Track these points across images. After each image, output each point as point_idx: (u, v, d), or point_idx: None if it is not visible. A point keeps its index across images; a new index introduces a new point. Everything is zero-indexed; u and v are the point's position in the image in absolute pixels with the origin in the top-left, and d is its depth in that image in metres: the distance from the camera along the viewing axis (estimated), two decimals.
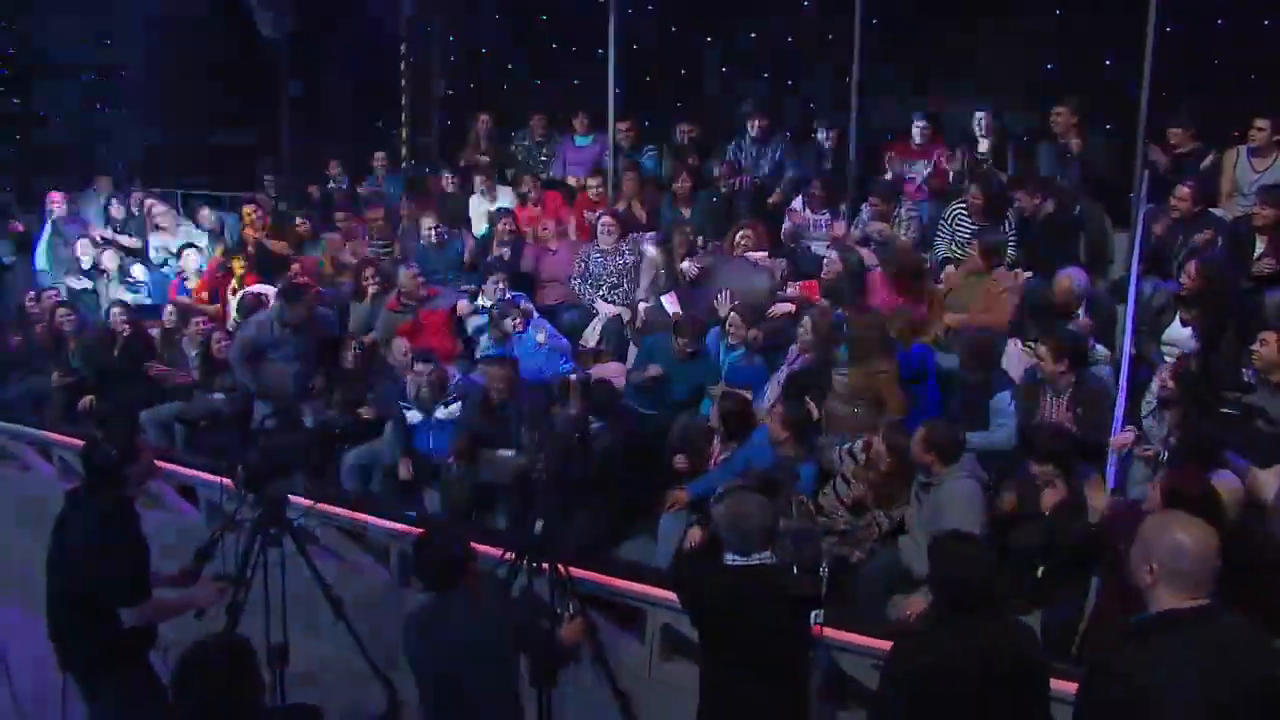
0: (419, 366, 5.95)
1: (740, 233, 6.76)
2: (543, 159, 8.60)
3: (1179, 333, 5.34)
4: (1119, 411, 4.91)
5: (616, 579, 4.75)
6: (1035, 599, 4.47)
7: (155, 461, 3.95)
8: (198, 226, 8.92)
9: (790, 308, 6.04)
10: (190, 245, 8.46)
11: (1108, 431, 4.93)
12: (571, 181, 8.26)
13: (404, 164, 8.91)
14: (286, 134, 9.39)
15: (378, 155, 8.83)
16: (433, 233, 7.58)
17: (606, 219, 6.95)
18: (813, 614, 3.10)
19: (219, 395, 4.33)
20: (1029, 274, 6.08)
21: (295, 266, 7.72)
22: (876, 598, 4.64)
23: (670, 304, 6.48)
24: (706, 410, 5.70)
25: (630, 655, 4.77)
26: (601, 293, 6.95)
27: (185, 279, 8.23)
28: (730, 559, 3.11)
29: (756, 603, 3.08)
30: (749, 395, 5.56)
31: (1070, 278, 5.62)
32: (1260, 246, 5.72)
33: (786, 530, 3.12)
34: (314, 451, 4.47)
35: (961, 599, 2.88)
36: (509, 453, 4.20)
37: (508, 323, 6.50)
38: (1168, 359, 5.28)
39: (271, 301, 6.86)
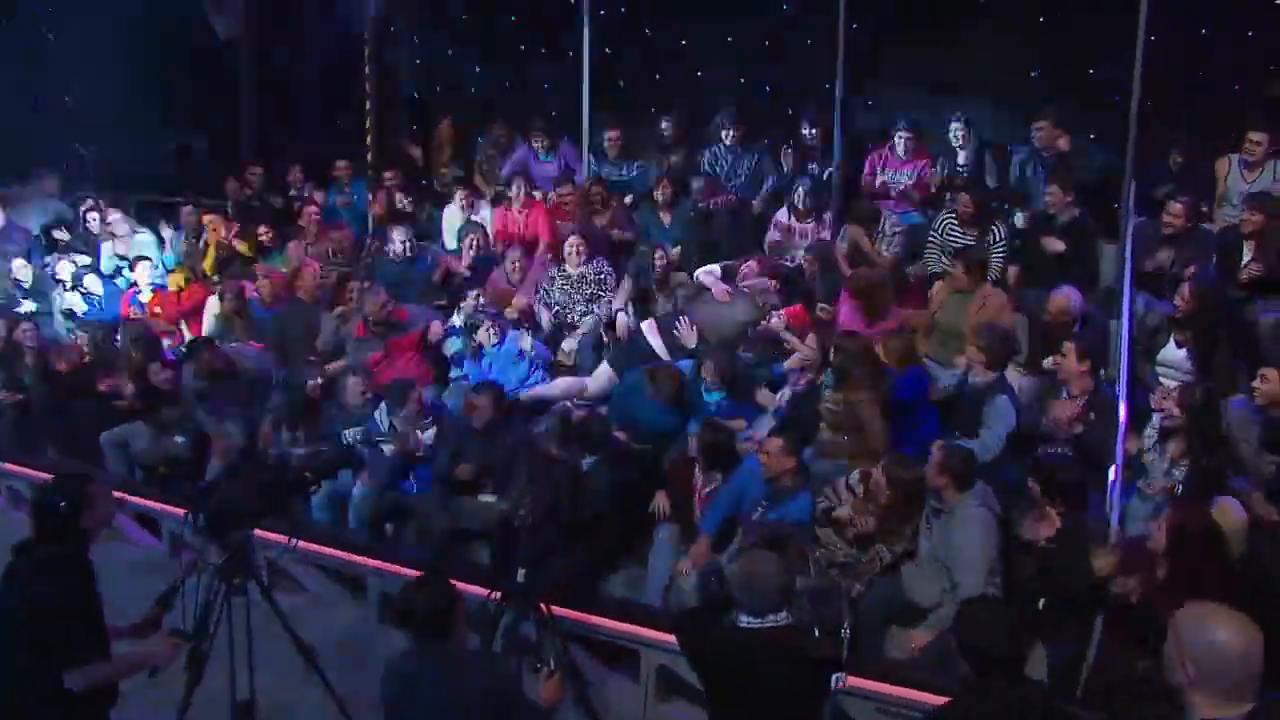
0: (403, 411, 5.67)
1: (745, 265, 6.44)
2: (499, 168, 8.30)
3: (1174, 354, 5.23)
4: (1121, 433, 4.75)
5: (609, 619, 4.50)
6: (1037, 632, 4.33)
7: (113, 505, 3.61)
8: (174, 228, 8.49)
9: (808, 355, 5.67)
10: (143, 257, 8.05)
11: (1112, 449, 4.79)
12: (537, 194, 7.93)
13: (370, 171, 8.52)
14: (246, 138, 8.97)
15: (339, 164, 8.43)
16: (405, 246, 7.24)
17: (575, 240, 6.67)
18: (834, 676, 2.88)
19: (178, 439, 3.98)
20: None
21: (260, 269, 7.38)
22: (875, 630, 4.47)
23: (650, 333, 6.15)
24: (691, 432, 5.45)
25: (624, 697, 4.54)
26: (571, 319, 6.70)
27: (138, 292, 7.80)
28: (744, 620, 2.89)
29: (771, 666, 2.88)
30: (739, 426, 5.35)
31: (1067, 297, 5.47)
32: (1248, 253, 5.66)
33: (804, 589, 2.89)
34: (279, 494, 4.11)
35: (985, 666, 2.83)
36: (490, 498, 3.90)
37: (482, 333, 6.22)
38: (1163, 381, 5.17)
39: None
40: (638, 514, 5.18)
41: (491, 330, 6.23)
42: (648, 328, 6.16)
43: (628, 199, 7.73)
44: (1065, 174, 6.38)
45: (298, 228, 7.93)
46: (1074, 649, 4.20)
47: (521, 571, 3.74)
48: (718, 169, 7.49)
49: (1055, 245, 6.02)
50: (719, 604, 3.08)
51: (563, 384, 6.09)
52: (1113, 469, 4.67)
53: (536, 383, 6.27)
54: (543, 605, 3.91)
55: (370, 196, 8.23)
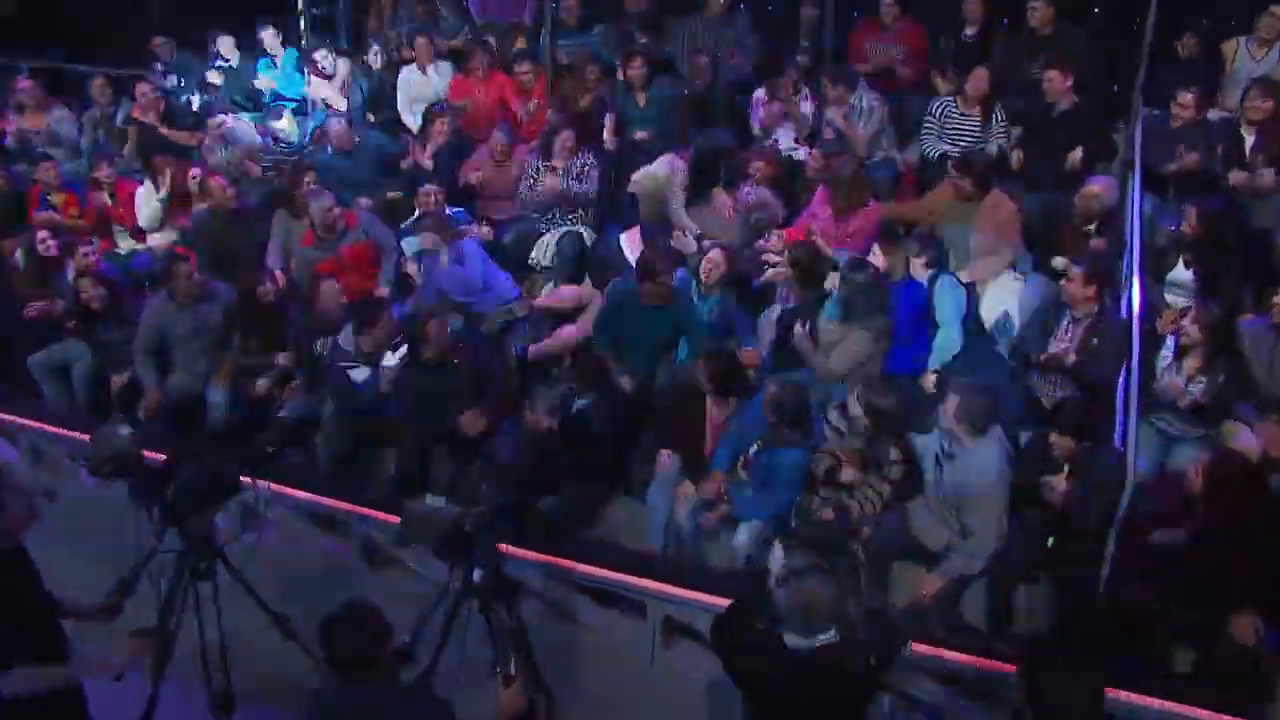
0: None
1: (756, 163, 5.83)
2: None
3: (1184, 275, 5.01)
4: (1136, 350, 4.58)
5: (609, 569, 4.30)
6: (1045, 566, 4.29)
7: (26, 500, 3.16)
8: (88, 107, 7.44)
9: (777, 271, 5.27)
10: (56, 145, 7.12)
11: (1118, 372, 4.64)
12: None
13: (302, 39, 7.57)
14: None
15: (267, 32, 7.41)
16: (340, 135, 6.50)
17: (565, 135, 5.99)
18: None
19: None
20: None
21: (194, 172, 6.52)
22: (881, 568, 4.37)
23: (629, 243, 5.66)
24: (684, 356, 5.13)
25: (628, 641, 4.40)
26: (555, 215, 6.11)
27: (47, 191, 6.79)
28: (791, 641, 2.68)
29: (819, 687, 2.70)
30: (735, 345, 5.02)
31: (1102, 188, 5.18)
32: (1250, 139, 5.39)
33: (857, 614, 2.68)
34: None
35: None
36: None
37: (424, 242, 5.69)
38: (1171, 303, 4.97)
39: None
40: (628, 444, 4.92)
41: (435, 243, 5.65)
42: (628, 241, 5.64)
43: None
44: (1064, 56, 5.93)
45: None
46: (1083, 585, 4.18)
47: (479, 573, 3.43)
48: (700, 42, 6.80)
49: (1075, 156, 5.64)
50: (755, 595, 2.85)
51: (566, 333, 5.57)
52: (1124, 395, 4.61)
53: (496, 288, 5.75)
54: (503, 605, 3.57)
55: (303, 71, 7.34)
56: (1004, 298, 5.26)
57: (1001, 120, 5.90)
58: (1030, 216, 5.58)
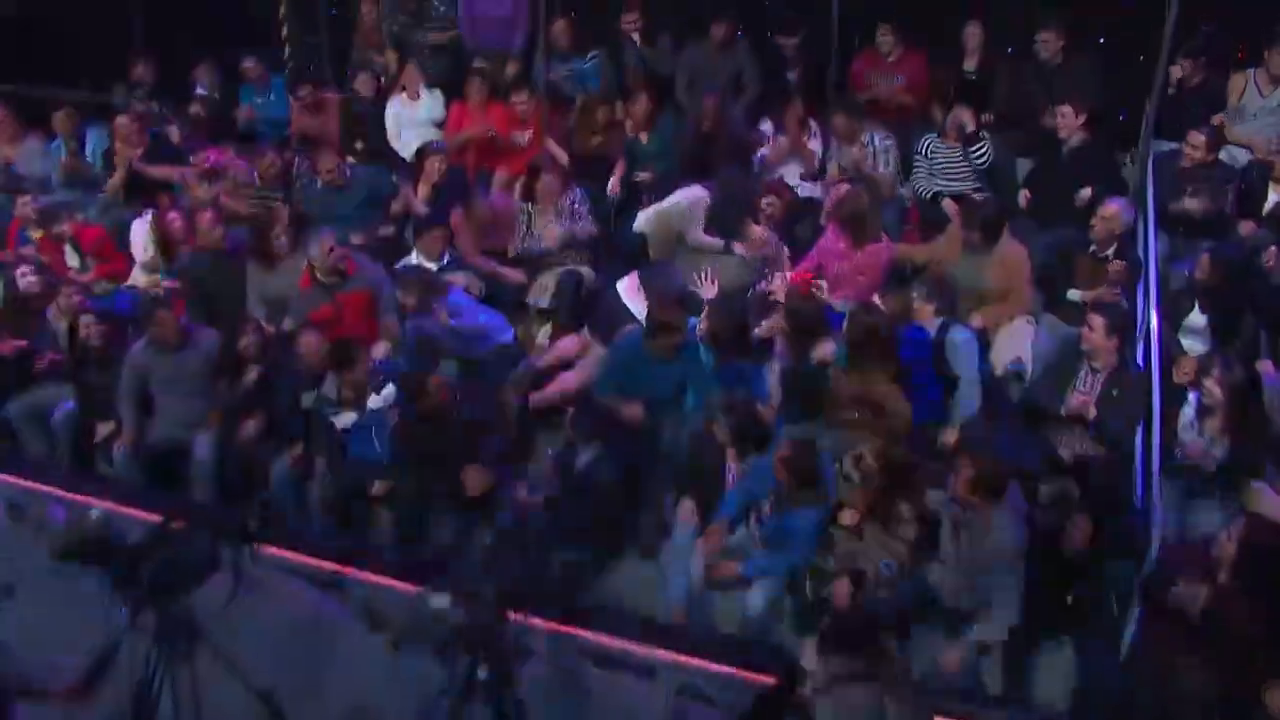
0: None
1: (766, 198, 5.66)
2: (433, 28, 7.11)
3: (1199, 321, 4.93)
4: (1156, 406, 4.49)
5: (622, 638, 4.14)
6: (1065, 625, 4.18)
7: None
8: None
9: (774, 323, 5.08)
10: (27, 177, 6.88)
11: (1136, 426, 4.55)
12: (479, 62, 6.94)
13: (286, 69, 7.34)
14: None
15: (248, 64, 7.13)
16: (336, 172, 6.29)
17: (549, 180, 5.80)
18: None
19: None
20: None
21: (173, 216, 6.28)
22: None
23: (628, 291, 5.43)
24: (693, 404, 4.97)
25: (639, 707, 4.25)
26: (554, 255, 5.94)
27: (24, 224, 6.50)
28: None
29: None
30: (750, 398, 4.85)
31: (1120, 208, 5.10)
32: (1275, 195, 5.31)
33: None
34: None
35: None
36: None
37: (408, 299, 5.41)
38: (1188, 350, 4.88)
39: None
40: (640, 500, 4.77)
41: (410, 301, 5.39)
42: (626, 288, 5.42)
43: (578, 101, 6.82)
44: (1077, 91, 5.82)
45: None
46: (1106, 646, 4.07)
47: (484, 673, 3.25)
48: (699, 69, 6.64)
49: (1085, 193, 5.53)
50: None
51: (567, 381, 5.36)
52: (1144, 453, 4.52)
53: (506, 341, 5.58)
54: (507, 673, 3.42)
55: (291, 100, 7.10)
56: (1016, 343, 5.16)
57: (977, 156, 5.81)
58: (1042, 254, 5.50)
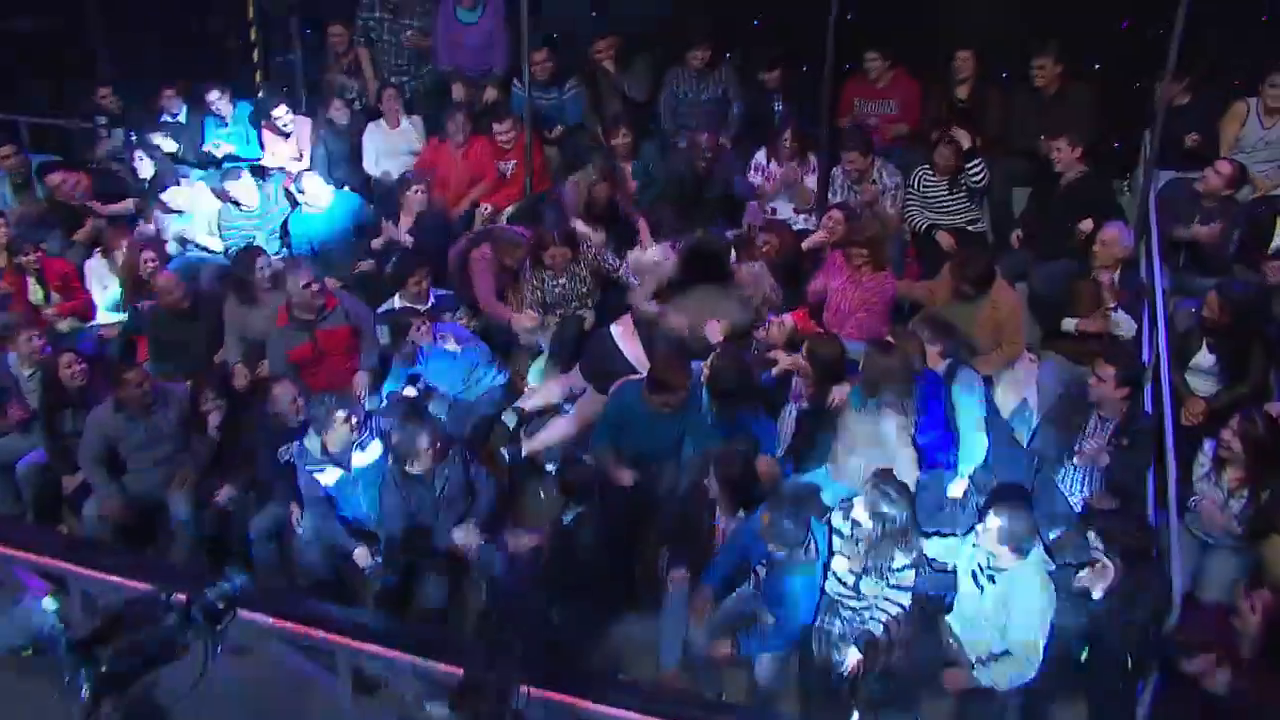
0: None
1: (765, 235, 5.53)
2: (409, 26, 6.80)
3: (1208, 360, 4.83)
4: (1172, 460, 4.38)
5: (622, 709, 3.97)
6: (1077, 683, 4.06)
7: None
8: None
9: (794, 362, 4.87)
10: None
11: (1144, 476, 4.44)
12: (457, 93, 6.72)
13: (259, 93, 7.09)
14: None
15: (212, 95, 6.79)
16: (321, 196, 6.09)
17: (557, 253, 5.45)
18: None
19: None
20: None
21: (148, 255, 5.97)
22: (911, 694, 4.12)
23: (623, 335, 5.18)
24: (688, 453, 4.80)
25: None
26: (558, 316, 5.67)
27: None
28: None
29: None
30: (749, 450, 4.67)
31: (1117, 231, 5.04)
32: None
33: None
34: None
35: None
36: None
37: (415, 335, 5.22)
38: (1195, 390, 4.80)
39: None
40: (633, 559, 4.61)
41: (423, 330, 5.22)
42: (620, 333, 5.20)
43: (556, 131, 6.67)
44: (1073, 122, 5.72)
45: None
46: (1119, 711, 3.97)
47: None
48: (679, 102, 6.47)
49: (1085, 225, 5.43)
50: None
51: (559, 429, 5.17)
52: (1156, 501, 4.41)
53: (498, 385, 5.40)
54: None
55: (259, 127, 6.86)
56: (1019, 383, 5.05)
57: (974, 175, 5.75)
58: (1041, 285, 5.39)
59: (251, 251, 5.77)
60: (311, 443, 4.82)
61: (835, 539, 4.17)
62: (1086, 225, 5.44)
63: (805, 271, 5.53)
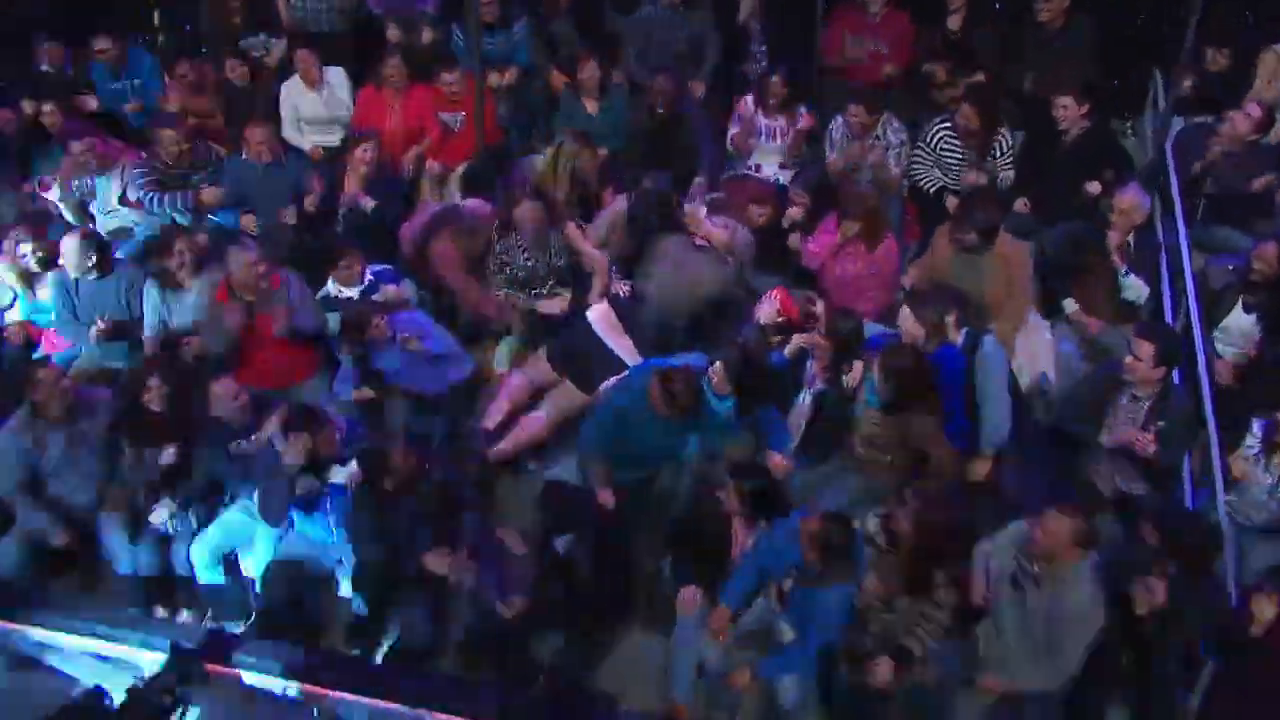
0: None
1: (757, 207, 5.09)
2: None
3: (1241, 321, 4.57)
4: (1215, 438, 4.13)
5: None
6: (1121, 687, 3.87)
7: None
8: None
9: (809, 339, 4.46)
10: None
11: (1183, 454, 4.21)
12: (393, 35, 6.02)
13: (160, 37, 6.20)
14: None
15: (101, 43, 5.91)
16: (268, 146, 5.34)
17: (529, 209, 4.92)
18: None
19: None
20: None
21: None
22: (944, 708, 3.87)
23: (602, 322, 4.73)
24: (693, 450, 4.40)
25: None
26: (534, 290, 5.14)
27: None
28: None
29: None
30: (757, 451, 4.34)
31: (1134, 196, 4.69)
32: None
33: None
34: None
35: None
36: None
37: (373, 334, 4.67)
38: (1222, 353, 4.55)
39: None
40: (633, 573, 4.24)
41: (380, 324, 4.66)
42: (597, 317, 4.74)
43: (506, 75, 6.01)
44: (1074, 62, 5.33)
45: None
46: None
47: None
48: (652, 41, 5.86)
49: (1093, 188, 5.10)
50: None
51: (531, 426, 4.68)
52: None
53: (454, 381, 4.87)
54: None
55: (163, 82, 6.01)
56: (1037, 354, 4.75)
57: (1007, 148, 5.28)
58: (1046, 251, 5.06)
59: (169, 234, 5.06)
60: (290, 454, 4.20)
61: (870, 549, 3.87)
62: (1094, 188, 5.11)
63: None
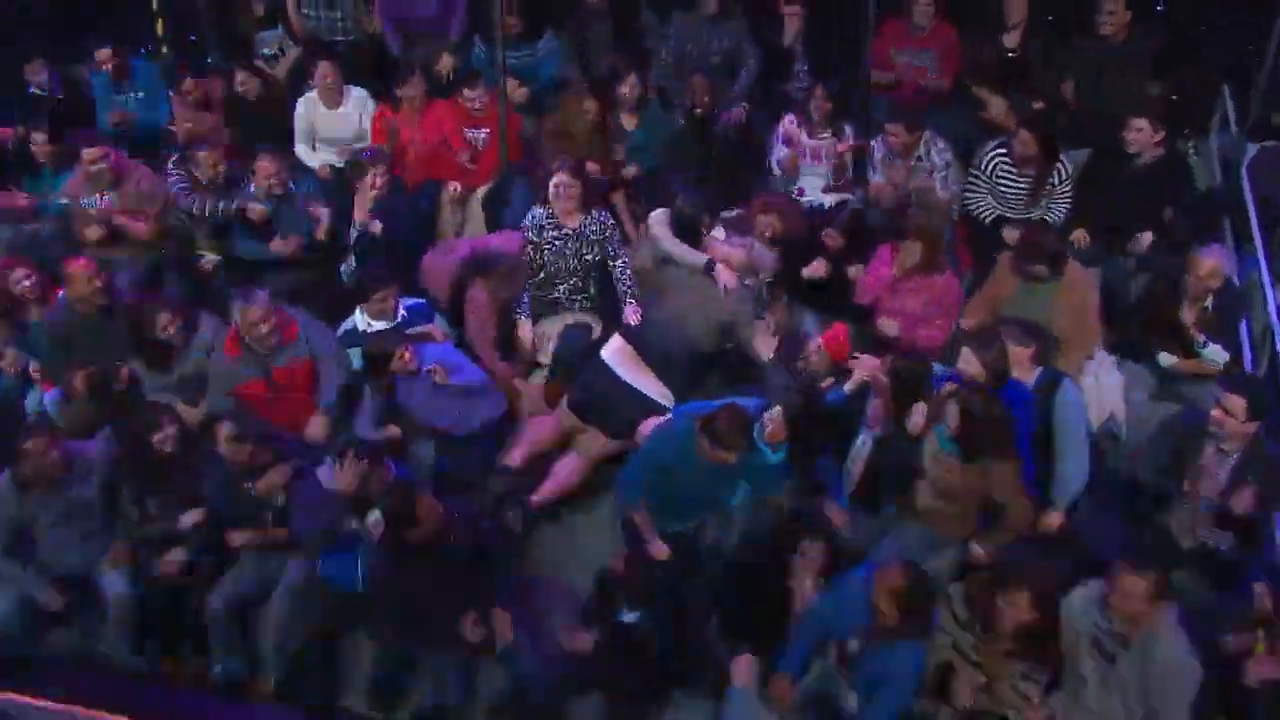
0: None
1: (765, 217, 4.81)
2: None
3: None
4: None
5: None
6: None
7: None
8: None
9: (871, 373, 4.16)
10: None
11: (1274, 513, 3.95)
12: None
13: (164, 48, 5.92)
14: None
15: (101, 53, 5.62)
16: (277, 179, 5.05)
17: (564, 179, 4.62)
18: None
19: None
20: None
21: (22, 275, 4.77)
22: None
23: (618, 359, 4.45)
24: (741, 498, 4.14)
25: None
26: (559, 293, 4.85)
27: None
28: None
29: None
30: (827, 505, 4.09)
31: (1219, 261, 4.37)
32: None
33: None
34: None
35: None
36: None
37: (396, 366, 4.41)
38: None
39: None
40: (690, 635, 3.93)
41: (406, 356, 4.40)
42: (613, 354, 4.46)
43: (518, 93, 5.74)
44: (1137, 77, 5.06)
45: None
46: None
47: None
48: (687, 51, 5.58)
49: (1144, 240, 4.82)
50: None
51: (565, 473, 4.41)
52: None
53: (485, 420, 4.57)
54: None
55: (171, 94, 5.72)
56: (1107, 395, 4.47)
57: (1065, 177, 4.99)
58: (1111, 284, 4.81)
59: (147, 306, 4.64)
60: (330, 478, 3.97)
61: (946, 619, 3.61)
62: (1146, 238, 4.86)
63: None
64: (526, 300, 4.81)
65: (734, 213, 5.09)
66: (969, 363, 4.07)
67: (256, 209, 5.04)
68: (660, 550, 4.01)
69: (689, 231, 4.85)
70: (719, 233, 4.90)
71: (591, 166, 5.10)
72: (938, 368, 4.14)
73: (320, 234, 5.09)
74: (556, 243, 4.73)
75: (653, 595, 3.84)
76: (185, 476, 4.23)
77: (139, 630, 4.19)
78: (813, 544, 3.77)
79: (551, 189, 4.66)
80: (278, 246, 5.05)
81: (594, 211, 4.76)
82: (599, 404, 4.45)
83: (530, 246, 4.74)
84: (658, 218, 4.89)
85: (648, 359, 4.51)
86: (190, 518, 4.17)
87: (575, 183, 4.62)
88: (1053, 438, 4.00)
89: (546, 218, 4.72)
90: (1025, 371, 4.13)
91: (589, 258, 4.77)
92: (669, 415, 4.27)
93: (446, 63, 5.76)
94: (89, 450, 4.25)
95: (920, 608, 3.53)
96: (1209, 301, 4.44)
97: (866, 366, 4.14)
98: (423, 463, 4.45)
